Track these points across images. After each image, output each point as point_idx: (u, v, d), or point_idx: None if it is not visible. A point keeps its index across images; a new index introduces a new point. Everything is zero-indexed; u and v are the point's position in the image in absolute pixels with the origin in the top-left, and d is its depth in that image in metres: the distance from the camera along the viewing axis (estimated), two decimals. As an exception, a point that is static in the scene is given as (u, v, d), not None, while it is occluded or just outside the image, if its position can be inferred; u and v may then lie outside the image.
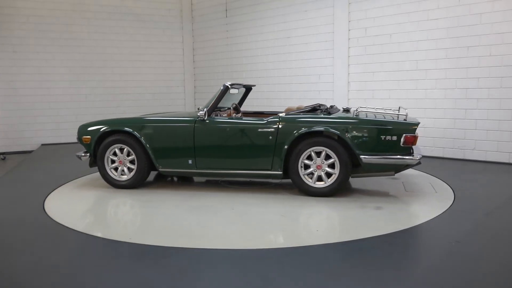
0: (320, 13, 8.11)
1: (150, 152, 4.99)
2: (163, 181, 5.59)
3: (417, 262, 3.09)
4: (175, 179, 5.75)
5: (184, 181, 5.62)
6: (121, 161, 5.13)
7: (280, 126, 4.63)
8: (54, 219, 4.03)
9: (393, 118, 4.58)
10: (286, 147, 4.58)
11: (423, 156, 4.76)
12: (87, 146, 5.20)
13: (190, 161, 4.92)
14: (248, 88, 6.06)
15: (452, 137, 6.78)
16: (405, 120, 4.50)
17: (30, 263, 3.05)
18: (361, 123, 4.49)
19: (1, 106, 8.92)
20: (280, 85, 8.90)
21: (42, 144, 9.23)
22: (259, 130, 4.70)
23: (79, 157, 5.25)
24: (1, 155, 8.24)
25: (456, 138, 6.74)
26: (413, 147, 4.96)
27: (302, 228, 3.87)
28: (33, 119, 9.19)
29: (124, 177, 5.14)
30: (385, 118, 4.61)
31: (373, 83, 7.53)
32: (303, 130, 4.53)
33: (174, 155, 4.99)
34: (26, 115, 9.13)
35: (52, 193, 5.02)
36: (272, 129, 4.65)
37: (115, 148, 5.11)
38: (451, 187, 4.97)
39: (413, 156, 4.38)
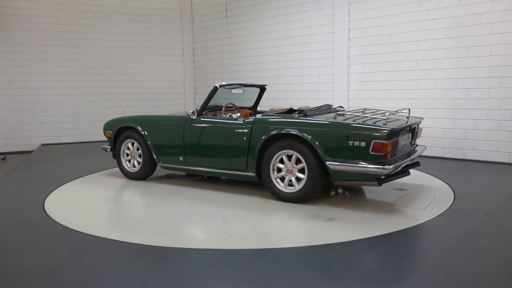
0: (320, 13, 8.11)
1: (151, 148, 5.35)
2: (166, 177, 5.61)
3: (417, 262, 3.09)
4: (205, 176, 5.73)
5: (212, 179, 5.64)
6: (132, 155, 5.64)
7: (253, 128, 4.56)
8: (54, 219, 4.03)
9: (385, 122, 4.07)
10: (257, 149, 4.50)
11: (424, 156, 4.63)
12: (109, 140, 5.81)
13: (181, 158, 5.16)
14: (262, 88, 6.11)
15: (452, 137, 6.78)
16: (384, 124, 4.01)
17: (30, 263, 3.05)
18: (328, 126, 4.16)
19: (1, 106, 8.92)
20: (280, 85, 8.90)
21: (42, 144, 9.22)
22: (236, 130, 4.69)
23: (105, 149, 5.90)
24: (1, 155, 8.24)
25: (456, 138, 6.74)
26: (416, 148, 4.90)
27: (221, 232, 3.62)
28: (33, 119, 9.19)
29: (134, 169, 5.65)
30: (364, 122, 4.12)
31: (373, 83, 7.52)
32: (272, 132, 4.38)
33: (169, 152, 5.27)
34: (26, 115, 9.12)
35: (52, 193, 5.02)
36: (247, 130, 4.60)
37: (129, 142, 5.64)
38: (451, 187, 4.96)
39: (385, 166, 3.85)
